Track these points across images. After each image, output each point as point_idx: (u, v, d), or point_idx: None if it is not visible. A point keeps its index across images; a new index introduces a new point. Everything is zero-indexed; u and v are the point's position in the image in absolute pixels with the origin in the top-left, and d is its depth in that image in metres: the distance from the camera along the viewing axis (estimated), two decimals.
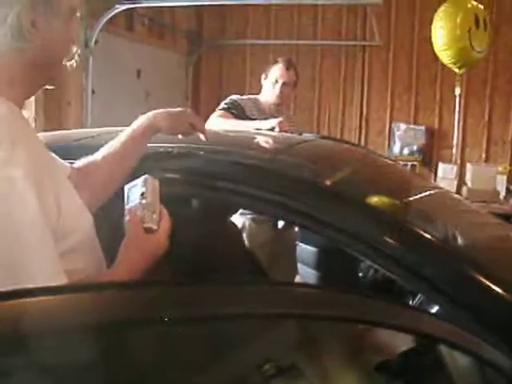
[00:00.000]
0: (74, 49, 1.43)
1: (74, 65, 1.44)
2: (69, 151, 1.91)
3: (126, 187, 1.46)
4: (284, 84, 3.73)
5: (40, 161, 1.32)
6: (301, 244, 3.39)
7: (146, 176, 1.44)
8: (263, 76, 3.84)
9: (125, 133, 1.70)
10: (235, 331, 1.09)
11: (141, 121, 1.71)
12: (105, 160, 1.66)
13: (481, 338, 1.22)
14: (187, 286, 1.02)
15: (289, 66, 3.80)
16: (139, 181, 1.43)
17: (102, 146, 1.99)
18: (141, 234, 1.39)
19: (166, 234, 1.41)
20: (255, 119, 3.57)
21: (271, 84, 3.74)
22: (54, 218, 1.26)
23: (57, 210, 1.27)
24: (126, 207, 1.43)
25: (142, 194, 1.40)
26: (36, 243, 1.22)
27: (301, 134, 3.14)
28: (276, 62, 3.83)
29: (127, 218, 1.41)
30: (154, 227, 1.39)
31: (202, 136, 1.83)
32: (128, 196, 1.44)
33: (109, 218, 1.51)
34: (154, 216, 1.40)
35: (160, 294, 0.98)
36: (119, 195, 1.51)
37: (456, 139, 6.49)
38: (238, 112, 3.56)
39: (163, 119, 1.72)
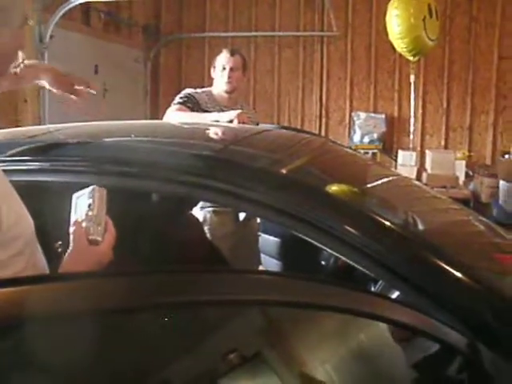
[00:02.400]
0: (21, 55, 1.42)
1: (18, 71, 1.42)
2: (24, 147, 1.89)
3: (74, 196, 1.46)
4: (232, 69, 3.76)
5: None
6: (263, 235, 3.40)
7: (94, 186, 1.44)
8: (212, 70, 3.87)
9: None
10: (200, 320, 1.09)
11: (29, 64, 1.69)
12: None
13: (437, 319, 1.24)
14: (149, 274, 1.01)
15: (233, 52, 3.86)
16: (86, 191, 1.43)
17: (58, 141, 1.97)
18: (84, 246, 1.39)
19: (110, 245, 1.42)
20: (210, 112, 3.57)
21: (219, 72, 3.78)
22: None
23: None
24: (72, 217, 1.43)
25: (89, 206, 1.40)
26: None
27: (257, 125, 3.14)
28: (220, 52, 3.87)
29: (72, 229, 1.41)
30: (99, 239, 1.39)
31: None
32: (76, 206, 1.44)
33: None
34: (99, 228, 1.40)
35: (123, 282, 0.97)
36: None
37: (413, 125, 6.57)
38: (193, 105, 3.57)
39: (49, 74, 1.70)
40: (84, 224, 1.39)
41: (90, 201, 1.41)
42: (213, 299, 0.97)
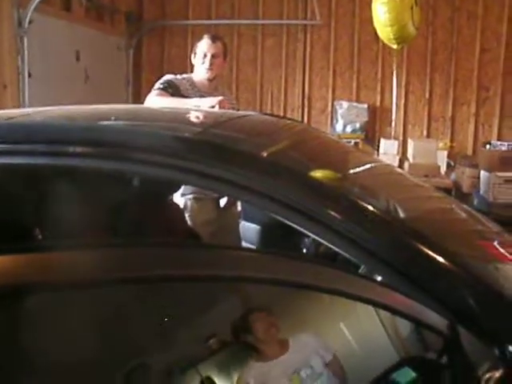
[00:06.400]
0: None
1: None
2: (1, 129, 1.86)
3: None
4: (213, 56, 3.74)
5: None
6: (243, 222, 3.39)
7: None
8: (192, 56, 3.84)
9: None
10: (180, 302, 1.07)
11: None
12: None
13: (417, 300, 1.23)
14: (127, 247, 0.98)
15: (214, 38, 3.84)
16: None
17: (36, 123, 1.94)
18: None
19: None
20: (191, 98, 3.55)
21: (201, 59, 3.76)
22: None
23: None
24: None
25: None
26: None
27: (238, 111, 3.12)
28: (201, 38, 3.84)
29: None
30: None
31: None
32: None
33: None
34: None
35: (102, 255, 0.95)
36: None
37: (394, 114, 6.57)
38: (173, 91, 3.55)
39: None
40: None
41: None
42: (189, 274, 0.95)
